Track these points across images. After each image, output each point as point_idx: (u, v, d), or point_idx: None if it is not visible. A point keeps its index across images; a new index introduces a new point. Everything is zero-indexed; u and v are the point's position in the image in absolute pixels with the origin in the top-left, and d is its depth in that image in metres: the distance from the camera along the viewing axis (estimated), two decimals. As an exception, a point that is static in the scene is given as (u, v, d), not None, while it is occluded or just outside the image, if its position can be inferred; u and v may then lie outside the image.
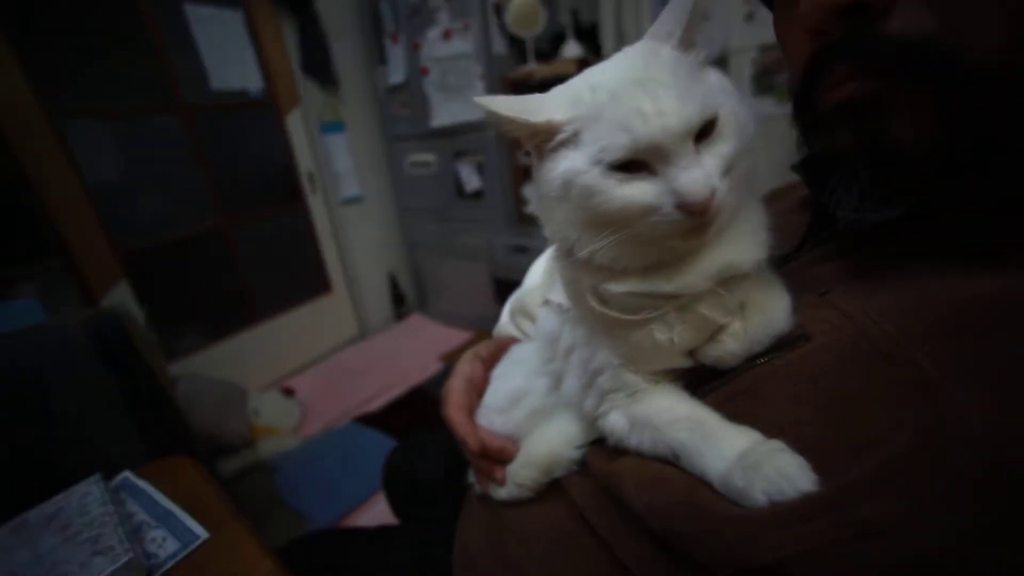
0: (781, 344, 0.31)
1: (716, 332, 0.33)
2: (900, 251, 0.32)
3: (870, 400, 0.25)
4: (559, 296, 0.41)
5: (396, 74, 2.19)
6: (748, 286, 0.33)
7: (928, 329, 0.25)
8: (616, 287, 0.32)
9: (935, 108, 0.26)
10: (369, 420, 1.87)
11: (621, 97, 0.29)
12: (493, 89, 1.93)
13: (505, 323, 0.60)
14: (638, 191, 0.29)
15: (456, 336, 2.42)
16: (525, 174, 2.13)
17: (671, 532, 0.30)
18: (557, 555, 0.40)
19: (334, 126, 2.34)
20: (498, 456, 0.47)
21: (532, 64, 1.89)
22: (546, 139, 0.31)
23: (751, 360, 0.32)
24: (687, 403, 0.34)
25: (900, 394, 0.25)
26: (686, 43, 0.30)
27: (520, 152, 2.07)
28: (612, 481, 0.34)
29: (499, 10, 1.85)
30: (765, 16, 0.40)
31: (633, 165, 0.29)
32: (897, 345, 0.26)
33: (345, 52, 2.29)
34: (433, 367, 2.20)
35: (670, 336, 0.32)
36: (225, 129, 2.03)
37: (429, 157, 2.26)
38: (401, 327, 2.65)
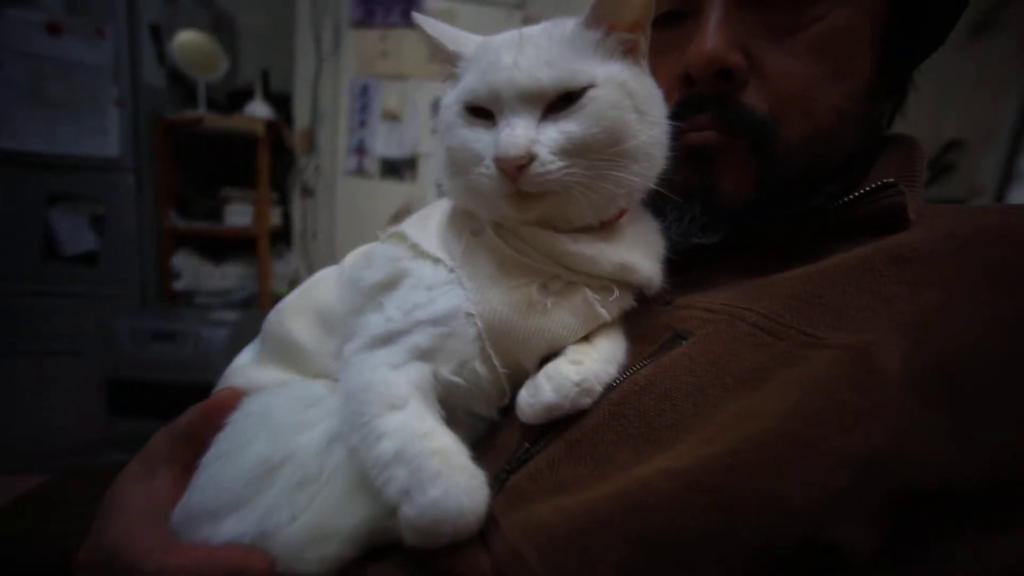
0: (658, 349, 0.32)
1: (574, 354, 0.31)
2: (718, 270, 0.37)
3: (772, 366, 0.27)
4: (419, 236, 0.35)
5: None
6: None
7: (785, 304, 0.29)
8: (521, 228, 0.32)
9: (754, 171, 0.35)
10: None
11: (497, 46, 0.30)
12: (136, 124, 1.46)
13: (245, 364, 0.39)
14: (473, 135, 0.30)
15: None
16: (176, 239, 1.65)
17: None
18: None
19: None
20: None
21: (203, 110, 1.56)
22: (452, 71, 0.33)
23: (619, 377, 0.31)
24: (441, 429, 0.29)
25: (798, 354, 0.26)
26: (595, 19, 0.30)
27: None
28: (513, 565, 0.25)
29: (158, 35, 1.47)
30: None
31: (486, 114, 0.30)
32: (772, 321, 0.29)
33: None
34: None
35: (546, 301, 0.31)
36: None
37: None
38: None
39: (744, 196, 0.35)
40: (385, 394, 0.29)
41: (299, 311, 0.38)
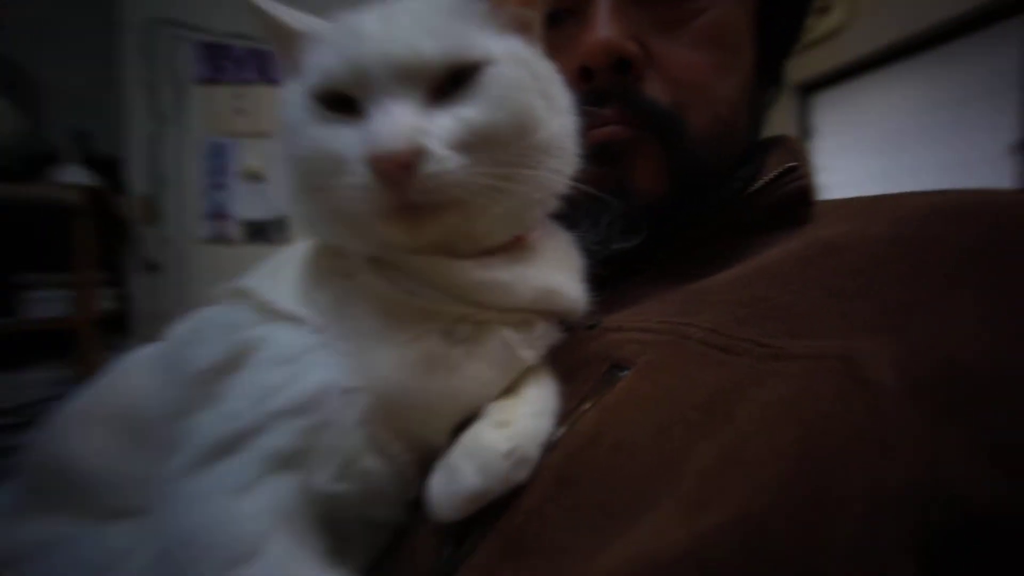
0: (596, 386, 0.26)
1: (498, 415, 0.25)
2: (640, 281, 0.34)
3: (738, 388, 0.22)
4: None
5: None
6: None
7: (730, 314, 0.26)
8: (410, 259, 0.24)
9: (663, 162, 0.33)
10: None
11: (358, 17, 0.24)
12: None
13: None
14: (331, 133, 0.23)
15: None
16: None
17: None
18: None
19: None
20: None
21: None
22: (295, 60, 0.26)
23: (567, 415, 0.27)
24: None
25: (762, 368, 0.22)
26: None
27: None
28: None
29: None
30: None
31: (347, 105, 0.23)
32: (721, 335, 0.24)
33: None
34: None
35: (451, 352, 0.24)
36: None
37: None
38: None
39: (657, 191, 0.34)
40: (230, 538, 0.20)
41: (89, 419, 0.27)
